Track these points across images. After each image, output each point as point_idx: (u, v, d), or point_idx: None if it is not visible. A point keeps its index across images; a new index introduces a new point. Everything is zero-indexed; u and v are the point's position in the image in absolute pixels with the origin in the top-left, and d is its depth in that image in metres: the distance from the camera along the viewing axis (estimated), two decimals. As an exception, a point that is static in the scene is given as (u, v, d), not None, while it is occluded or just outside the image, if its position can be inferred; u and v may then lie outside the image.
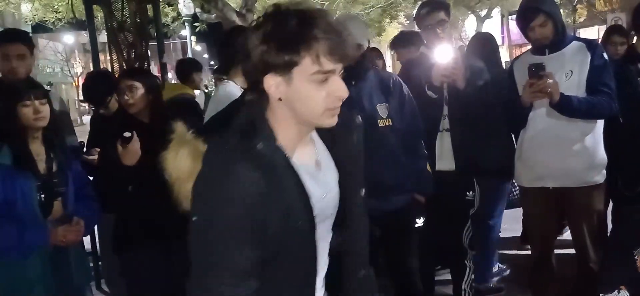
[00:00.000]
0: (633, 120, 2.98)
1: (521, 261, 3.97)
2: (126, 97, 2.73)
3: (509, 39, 27.50)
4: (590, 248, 2.92)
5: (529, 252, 3.38)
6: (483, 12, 22.92)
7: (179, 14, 13.08)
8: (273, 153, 1.22)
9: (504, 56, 21.54)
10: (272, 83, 1.22)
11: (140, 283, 2.76)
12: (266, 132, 1.24)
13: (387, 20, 18.39)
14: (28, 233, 2.38)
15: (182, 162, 1.36)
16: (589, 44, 2.84)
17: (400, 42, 4.25)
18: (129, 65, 4.51)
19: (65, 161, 2.59)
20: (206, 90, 11.28)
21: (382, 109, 2.68)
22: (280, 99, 1.23)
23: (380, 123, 2.68)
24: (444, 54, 2.92)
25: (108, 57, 4.91)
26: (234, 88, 2.80)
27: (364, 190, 1.43)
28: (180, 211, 1.37)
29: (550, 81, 2.66)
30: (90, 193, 2.73)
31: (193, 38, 16.63)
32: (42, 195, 2.42)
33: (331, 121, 1.27)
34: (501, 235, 4.41)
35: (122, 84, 2.76)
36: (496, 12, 24.61)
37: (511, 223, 4.65)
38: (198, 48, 37.73)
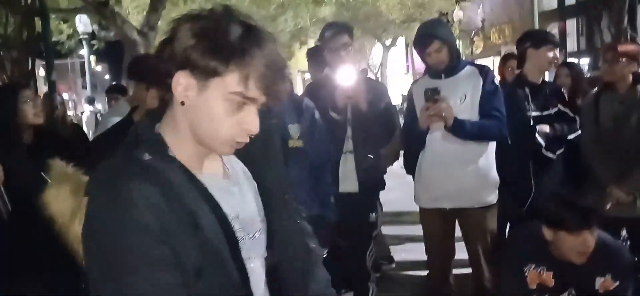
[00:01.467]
0: (520, 142, 3.15)
1: (420, 281, 4.07)
2: (37, 106, 2.55)
3: (413, 68, 28.86)
4: (485, 266, 3.03)
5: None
6: (388, 41, 23.84)
7: (75, 31, 12.42)
8: (165, 163, 1.06)
9: (408, 84, 22.51)
10: (182, 82, 1.05)
11: None
12: (152, 142, 1.08)
13: (297, 45, 18.64)
14: None
15: (64, 201, 1.17)
16: (481, 69, 2.99)
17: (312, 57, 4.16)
18: (13, 82, 4.18)
19: None
20: (95, 112, 10.77)
21: (293, 130, 2.66)
22: (183, 104, 1.06)
23: (291, 144, 2.66)
24: (347, 76, 2.96)
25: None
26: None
27: (290, 197, 1.27)
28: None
29: (445, 105, 2.77)
30: None
31: (92, 57, 15.88)
32: None
33: (228, 152, 1.13)
34: (405, 257, 4.52)
35: (27, 94, 2.57)
36: (401, 41, 25.70)
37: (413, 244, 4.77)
38: (98, 68, 36.06)
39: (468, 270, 3.18)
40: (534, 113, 3.25)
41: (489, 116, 2.88)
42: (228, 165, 1.21)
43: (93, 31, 11.47)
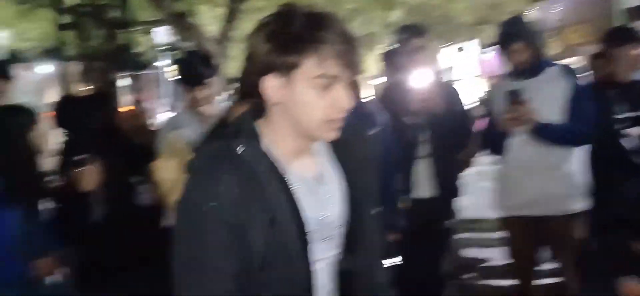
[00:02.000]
0: (603, 146, 2.96)
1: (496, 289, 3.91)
2: (124, 116, 2.66)
3: (486, 71, 27.98)
4: (570, 277, 2.87)
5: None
6: (460, 44, 23.30)
7: (154, 43, 12.93)
8: (256, 157, 1.15)
9: (483, 87, 21.87)
10: (271, 85, 1.15)
11: None
12: (250, 136, 1.17)
13: (368, 51, 18.56)
14: (8, 265, 2.28)
15: (170, 172, 1.29)
16: (567, 69, 2.83)
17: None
18: (98, 88, 4.40)
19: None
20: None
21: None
22: (277, 103, 1.16)
23: None
24: (422, 80, 2.89)
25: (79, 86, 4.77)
26: None
27: (377, 208, 1.32)
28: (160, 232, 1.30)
29: (528, 108, 2.64)
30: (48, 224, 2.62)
31: (167, 68, 16.47)
32: (27, 226, 2.33)
33: (330, 135, 1.18)
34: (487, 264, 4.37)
35: (115, 104, 2.69)
36: (472, 44, 25.06)
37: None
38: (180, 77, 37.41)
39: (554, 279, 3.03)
40: (622, 116, 3.03)
41: (575, 119, 2.72)
42: (321, 166, 1.26)
43: (172, 43, 11.89)
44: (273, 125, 1.19)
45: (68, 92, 4.38)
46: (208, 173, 1.13)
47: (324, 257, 1.22)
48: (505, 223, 3.06)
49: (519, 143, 2.82)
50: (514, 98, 2.67)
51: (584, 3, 21.80)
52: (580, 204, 2.83)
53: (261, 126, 1.20)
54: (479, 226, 5.82)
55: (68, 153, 3.49)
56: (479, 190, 4.59)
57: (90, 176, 2.40)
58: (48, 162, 3.59)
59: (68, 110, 3.47)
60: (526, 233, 2.93)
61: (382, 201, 2.61)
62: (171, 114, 3.25)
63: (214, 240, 1.11)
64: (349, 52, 1.14)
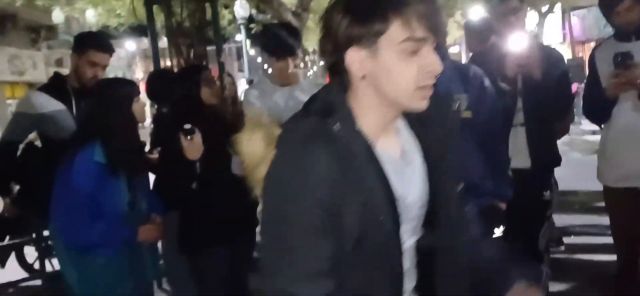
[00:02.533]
0: None
1: (607, 268, 3.70)
2: (215, 87, 2.76)
3: (571, 36, 26.48)
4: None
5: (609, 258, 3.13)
6: (545, 8, 22.07)
7: (234, 16, 13.21)
8: (352, 136, 1.10)
9: (566, 53, 20.74)
10: (355, 58, 1.10)
11: (211, 283, 2.72)
12: (345, 113, 1.12)
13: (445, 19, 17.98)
14: (118, 231, 2.37)
15: (255, 145, 1.26)
16: (682, 29, 2.58)
17: (473, 28, 3.99)
18: (187, 62, 4.52)
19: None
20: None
21: (460, 100, 2.48)
22: (364, 77, 1.11)
23: None
24: (518, 43, 2.73)
25: (168, 62, 4.92)
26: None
27: (461, 185, 1.27)
28: (251, 199, 1.29)
29: (638, 71, 2.43)
30: (152, 192, 2.75)
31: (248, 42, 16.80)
32: (130, 194, 2.43)
33: (421, 103, 1.12)
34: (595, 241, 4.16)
35: (205, 76, 2.76)
36: (558, 8, 23.66)
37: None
38: (252, 52, 38.28)
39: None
40: None
41: (691, 82, 2.48)
42: (406, 143, 1.21)
43: (250, 15, 12.10)
44: (359, 101, 1.14)
45: (158, 67, 4.52)
46: (301, 151, 1.08)
47: (409, 238, 1.18)
48: (609, 195, 2.87)
49: (626, 109, 2.62)
50: (623, 61, 2.47)
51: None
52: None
53: (350, 102, 1.15)
54: (569, 199, 5.57)
55: (162, 125, 3.67)
56: (569, 162, 4.36)
57: (196, 146, 2.52)
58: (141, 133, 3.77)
59: (160, 84, 3.63)
60: (632, 206, 2.73)
61: (491, 169, 2.53)
62: (251, 86, 3.31)
63: (308, 220, 1.06)
64: (433, 12, 1.08)
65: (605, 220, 3.01)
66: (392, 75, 1.09)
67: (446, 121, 1.23)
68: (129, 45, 31.16)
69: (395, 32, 1.07)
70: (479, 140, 2.46)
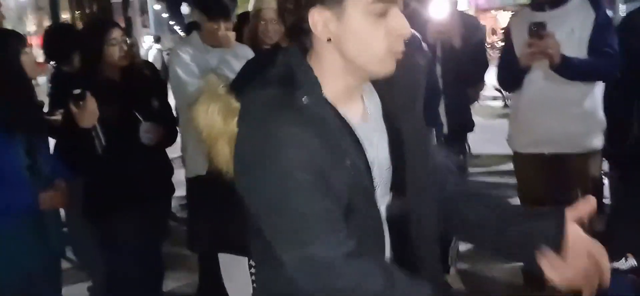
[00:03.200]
0: (630, 77, 2.86)
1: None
2: (124, 49, 2.54)
3: (475, 3, 27.65)
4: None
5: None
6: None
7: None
8: (321, 105, 1.03)
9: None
10: (319, 19, 1.02)
11: (118, 251, 2.58)
12: (311, 83, 1.04)
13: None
14: (17, 197, 2.18)
15: (213, 118, 1.18)
16: (593, 0, 2.69)
17: None
18: (90, 19, 4.16)
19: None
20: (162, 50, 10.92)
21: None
22: (328, 40, 1.03)
23: None
24: (438, 9, 2.74)
25: (66, 16, 4.50)
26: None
27: (431, 146, 1.22)
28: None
29: (552, 41, 2.51)
30: (53, 156, 2.55)
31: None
32: (29, 157, 2.23)
33: (389, 69, 1.06)
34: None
35: (115, 34, 2.53)
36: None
37: (509, 190, 4.57)
38: (157, 7, 36.52)
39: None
40: None
41: (600, 53, 2.60)
42: (369, 106, 1.14)
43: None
44: (322, 66, 1.07)
45: (57, 22, 4.14)
46: (274, 124, 0.99)
47: (381, 203, 1.13)
48: (518, 160, 2.99)
49: (538, 78, 2.71)
50: (537, 30, 2.54)
51: None
52: (598, 140, 2.77)
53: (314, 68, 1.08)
54: (476, 162, 5.83)
55: (60, 85, 3.38)
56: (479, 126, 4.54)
57: (89, 112, 2.32)
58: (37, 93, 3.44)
59: (60, 41, 3.33)
60: (539, 171, 2.87)
61: None
62: (182, 43, 3.11)
63: (305, 184, 0.99)
64: None
65: (509, 181, 3.15)
66: (359, 38, 1.02)
67: (412, 81, 1.18)
68: (21, -5, 28.74)
69: None
70: None
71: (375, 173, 1.09)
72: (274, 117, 1.00)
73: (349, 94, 1.10)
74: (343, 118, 1.06)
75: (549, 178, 2.90)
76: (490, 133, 5.81)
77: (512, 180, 3.07)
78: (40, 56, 4.08)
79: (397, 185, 1.15)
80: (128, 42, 2.63)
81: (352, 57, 1.04)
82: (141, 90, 2.65)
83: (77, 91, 2.36)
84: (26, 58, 2.23)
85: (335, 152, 1.01)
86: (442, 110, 2.92)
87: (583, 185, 2.79)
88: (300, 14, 1.03)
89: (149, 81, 2.79)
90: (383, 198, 1.14)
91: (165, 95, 2.91)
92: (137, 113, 2.56)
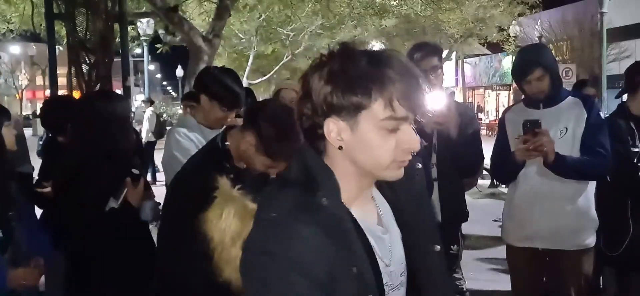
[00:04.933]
0: (620, 180, 2.92)
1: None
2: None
3: (463, 81, 28.40)
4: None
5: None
6: (443, 54, 23.55)
7: (138, 33, 12.71)
8: (339, 209, 1.06)
9: (458, 98, 22.13)
10: (333, 128, 1.07)
11: None
12: (331, 185, 1.08)
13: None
14: None
15: (229, 222, 1.17)
16: (585, 100, 2.77)
17: None
18: (89, 85, 4.20)
19: (18, 193, 2.31)
20: (156, 112, 10.96)
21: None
22: (340, 148, 1.07)
23: None
24: (436, 101, 2.79)
25: (66, 72, 4.54)
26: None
27: (438, 246, 1.24)
28: (218, 280, 1.16)
29: (546, 139, 2.56)
30: (39, 228, 2.47)
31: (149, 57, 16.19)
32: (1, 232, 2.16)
33: (397, 174, 1.10)
34: (489, 287, 4.31)
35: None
36: (453, 55, 25.27)
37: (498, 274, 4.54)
38: (151, 67, 36.97)
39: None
40: (637, 150, 2.99)
41: (592, 152, 2.65)
42: (381, 209, 1.18)
43: (157, 34, 11.68)
44: (334, 169, 1.10)
45: (56, 93, 4.17)
46: (291, 224, 1.02)
47: None
48: (512, 254, 2.99)
49: (532, 173, 2.75)
50: (532, 127, 2.59)
51: (565, 22, 22.18)
52: (591, 238, 2.78)
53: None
54: (470, 243, 5.82)
55: (52, 155, 3.34)
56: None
57: (139, 191, 2.32)
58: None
59: (55, 113, 3.30)
60: (533, 266, 2.87)
61: None
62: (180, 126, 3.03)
63: (303, 287, 1.00)
64: (415, 93, 1.06)
65: (498, 267, 3.13)
66: (370, 149, 1.07)
67: (413, 182, 1.21)
68: (14, 50, 28.91)
69: (378, 109, 1.05)
70: None
71: (387, 278, 1.11)
72: (294, 216, 1.02)
73: (361, 196, 1.13)
74: (357, 222, 1.09)
75: (541, 273, 2.90)
76: (478, 213, 5.83)
77: (501, 266, 3.06)
78: (27, 109, 4.06)
79: (412, 287, 1.17)
80: None
81: (361, 163, 1.09)
82: (138, 161, 2.62)
83: (136, 171, 2.39)
84: (6, 131, 2.21)
85: (345, 259, 1.03)
86: (436, 198, 2.92)
87: (576, 281, 2.79)
88: (315, 121, 1.08)
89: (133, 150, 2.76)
90: None
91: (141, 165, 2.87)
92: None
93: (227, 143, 2.04)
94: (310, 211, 1.02)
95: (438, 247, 1.23)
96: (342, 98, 1.04)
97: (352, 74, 1.04)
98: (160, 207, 2.49)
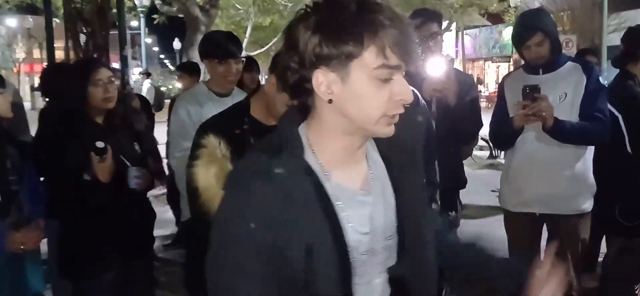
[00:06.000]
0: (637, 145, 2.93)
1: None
2: (109, 91, 2.43)
3: (463, 53, 28.24)
4: (574, 277, 2.84)
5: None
6: (443, 25, 23.37)
7: (134, 4, 12.59)
8: (297, 176, 1.03)
9: (459, 68, 22.05)
10: (323, 80, 1.02)
11: None
12: (294, 151, 1.05)
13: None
14: None
15: (210, 180, 1.21)
16: (584, 65, 2.77)
17: None
18: (87, 55, 4.18)
19: (19, 159, 2.31)
20: (154, 85, 10.92)
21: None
22: (330, 102, 1.03)
23: None
24: (435, 68, 2.78)
25: (63, 45, 4.52)
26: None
27: (434, 204, 1.25)
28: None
29: (545, 104, 2.56)
30: (42, 194, 2.48)
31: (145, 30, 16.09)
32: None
33: (388, 130, 1.06)
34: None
35: (101, 75, 2.44)
36: (453, 26, 25.07)
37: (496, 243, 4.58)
38: (149, 40, 36.68)
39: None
40: None
41: (591, 118, 2.66)
42: (372, 170, 1.13)
43: (154, 5, 11.57)
44: (320, 126, 1.08)
45: (53, 60, 4.15)
46: (240, 191, 1.03)
47: (377, 272, 1.11)
48: (509, 219, 3.01)
49: (530, 139, 2.76)
50: (531, 92, 2.59)
51: (566, -7, 21.89)
52: (588, 203, 2.80)
53: (306, 129, 1.09)
54: (469, 213, 5.86)
55: (48, 122, 3.33)
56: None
57: (107, 167, 2.29)
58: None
59: (53, 80, 3.30)
60: (529, 230, 2.89)
61: None
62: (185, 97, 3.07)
63: (248, 266, 1.01)
64: (408, 41, 1.02)
65: (496, 234, 3.15)
66: (361, 101, 1.03)
67: (412, 134, 1.18)
68: (10, 22, 28.69)
69: (370, 57, 1.00)
70: None
71: (364, 246, 1.08)
72: (246, 183, 1.02)
73: (349, 156, 1.09)
74: (323, 190, 1.05)
75: (539, 239, 2.93)
76: (477, 183, 5.87)
77: (499, 233, 3.08)
78: (26, 83, 4.07)
79: (402, 250, 1.14)
80: (115, 82, 2.54)
81: (352, 118, 1.05)
82: (128, 132, 2.59)
83: (100, 144, 2.30)
84: (1, 99, 2.20)
85: (297, 228, 1.01)
86: (435, 166, 2.93)
87: (573, 246, 2.82)
88: (303, 74, 1.03)
89: (137, 121, 2.76)
90: (384, 267, 1.12)
91: (152, 140, 2.89)
92: (123, 158, 2.46)
93: (250, 98, 2.07)
94: (263, 177, 1.01)
95: (427, 210, 1.20)
96: (332, 47, 0.99)
97: (342, 21, 0.99)
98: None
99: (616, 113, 2.94)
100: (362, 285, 1.09)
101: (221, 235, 1.05)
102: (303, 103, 1.08)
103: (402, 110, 1.06)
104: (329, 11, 1.01)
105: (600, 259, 3.71)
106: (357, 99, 1.02)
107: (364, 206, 1.09)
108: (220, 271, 1.05)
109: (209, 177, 1.21)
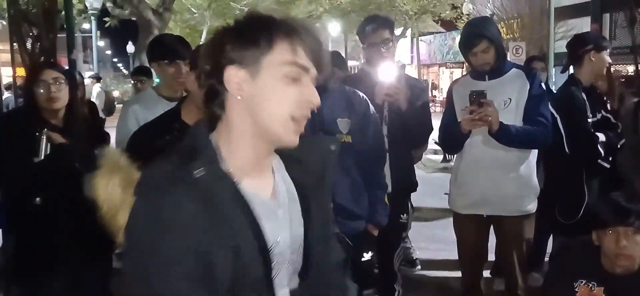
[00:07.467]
0: (579, 150, 3.05)
1: (451, 284, 3.98)
2: (53, 91, 2.39)
3: (418, 59, 28.76)
4: (519, 276, 2.95)
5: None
6: (398, 32, 23.69)
7: (85, 7, 12.27)
8: (216, 180, 1.03)
9: (414, 75, 22.44)
10: (234, 77, 1.05)
11: None
12: (209, 155, 1.05)
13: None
14: None
15: (114, 191, 1.17)
16: (528, 72, 2.88)
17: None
18: (33, 58, 4.06)
19: None
20: (105, 89, 10.69)
21: (342, 124, 2.46)
22: (241, 98, 1.06)
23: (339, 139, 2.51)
24: (387, 73, 2.84)
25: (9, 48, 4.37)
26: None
27: (332, 227, 1.25)
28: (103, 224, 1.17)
29: (491, 109, 2.65)
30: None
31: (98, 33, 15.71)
32: None
33: (293, 137, 1.08)
34: (438, 257, 4.43)
35: (45, 76, 2.41)
36: (408, 33, 25.49)
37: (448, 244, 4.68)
38: (101, 44, 35.81)
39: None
40: (593, 119, 3.16)
41: (535, 122, 2.76)
42: (280, 183, 1.15)
43: (105, 8, 11.30)
44: (229, 132, 1.08)
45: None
46: (162, 198, 0.99)
47: (284, 284, 1.13)
48: (458, 221, 3.09)
49: (477, 143, 2.84)
50: (478, 99, 2.67)
51: (516, 0, 22.62)
52: (532, 205, 2.91)
53: (216, 137, 1.09)
54: (422, 215, 5.97)
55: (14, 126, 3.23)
56: (422, 181, 4.67)
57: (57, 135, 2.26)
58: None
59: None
60: (477, 231, 2.98)
61: (369, 195, 2.56)
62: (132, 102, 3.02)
63: (178, 270, 0.98)
64: (318, 46, 1.08)
65: (448, 236, 3.24)
66: (270, 99, 1.05)
67: (323, 162, 1.20)
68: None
69: (280, 53, 1.04)
70: (359, 166, 2.50)
71: (278, 251, 1.09)
72: (166, 189, 1.00)
73: (258, 165, 1.10)
74: (240, 194, 1.05)
75: (486, 240, 3.02)
76: (430, 186, 5.98)
77: (451, 235, 3.17)
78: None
79: (304, 269, 1.17)
80: (62, 83, 2.49)
81: (260, 118, 1.06)
82: (82, 136, 2.54)
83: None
84: None
85: (221, 231, 1.00)
86: (387, 170, 2.98)
87: (518, 246, 2.92)
88: (217, 76, 1.06)
89: (91, 126, 2.71)
90: (289, 281, 1.15)
91: (102, 138, 2.83)
92: (78, 164, 2.38)
93: (181, 104, 2.07)
94: (183, 182, 0.99)
95: (330, 228, 1.23)
96: (243, 44, 1.04)
97: (255, 25, 1.06)
98: None
99: (555, 114, 3.07)
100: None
101: (145, 245, 1.00)
102: (213, 112, 1.09)
103: (308, 114, 1.08)
104: (247, 20, 1.08)
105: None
106: (266, 97, 1.05)
107: (275, 215, 1.11)
108: (149, 281, 1.00)
109: (112, 186, 1.17)
